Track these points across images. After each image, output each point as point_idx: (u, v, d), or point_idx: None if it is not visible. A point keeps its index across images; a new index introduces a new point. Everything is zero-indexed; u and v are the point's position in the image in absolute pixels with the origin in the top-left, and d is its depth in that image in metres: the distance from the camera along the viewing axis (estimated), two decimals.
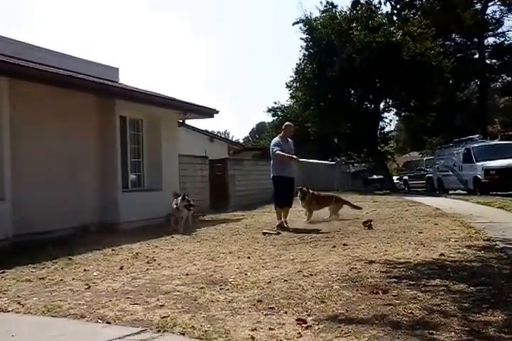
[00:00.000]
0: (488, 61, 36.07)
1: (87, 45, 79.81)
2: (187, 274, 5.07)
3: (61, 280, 5.01)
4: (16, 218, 7.64)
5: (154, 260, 6.03)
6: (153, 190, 11.20)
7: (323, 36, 24.21)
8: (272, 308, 3.72)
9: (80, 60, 11.15)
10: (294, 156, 9.34)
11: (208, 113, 13.34)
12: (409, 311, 3.52)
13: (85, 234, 8.76)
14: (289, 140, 9.64)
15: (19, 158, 8.00)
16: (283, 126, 9.86)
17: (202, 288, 4.44)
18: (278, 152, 9.22)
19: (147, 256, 6.32)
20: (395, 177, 30.98)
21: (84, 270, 5.52)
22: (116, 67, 12.44)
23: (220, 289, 4.38)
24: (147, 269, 5.46)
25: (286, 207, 9.46)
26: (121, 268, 5.57)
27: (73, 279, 5.03)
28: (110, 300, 4.10)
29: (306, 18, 25.03)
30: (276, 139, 9.64)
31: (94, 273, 5.31)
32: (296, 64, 26.41)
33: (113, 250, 6.94)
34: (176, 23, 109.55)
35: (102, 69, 11.59)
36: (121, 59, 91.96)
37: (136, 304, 3.98)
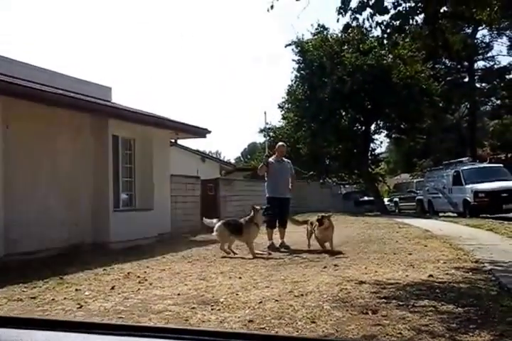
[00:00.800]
0: (477, 84, 36.70)
1: (78, 63, 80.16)
2: (178, 294, 5.06)
3: (53, 299, 4.99)
4: (7, 237, 7.61)
5: (146, 280, 6.01)
6: (145, 209, 11.19)
7: (314, 58, 24.56)
8: (263, 328, 3.73)
9: (73, 78, 11.21)
10: (259, 166, 9.54)
11: (200, 133, 13.44)
12: (398, 331, 3.54)
13: (76, 254, 8.71)
14: (285, 160, 9.64)
15: (11, 177, 8.02)
16: (276, 147, 9.90)
17: (193, 308, 4.42)
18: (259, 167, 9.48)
19: (139, 276, 6.30)
20: (385, 199, 31.10)
21: (76, 289, 5.50)
22: (108, 86, 12.55)
23: (212, 309, 4.37)
24: (139, 289, 5.45)
25: (281, 228, 9.40)
26: (112, 287, 5.55)
27: (65, 298, 5.02)
28: (102, 320, 4.08)
29: (298, 40, 25.41)
30: (269, 160, 9.65)
31: (86, 293, 5.28)
32: (288, 85, 26.77)
33: (104, 270, 6.91)
34: (169, 42, 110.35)
35: (94, 88, 11.65)
36: (112, 77, 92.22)
37: None
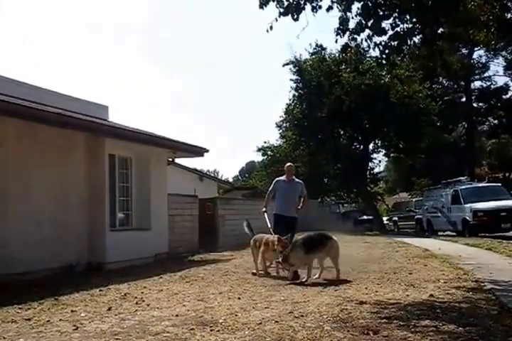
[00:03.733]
0: (475, 104, 37.02)
1: (74, 82, 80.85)
2: (177, 315, 5.02)
3: (48, 321, 4.94)
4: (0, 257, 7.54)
5: (143, 301, 5.97)
6: (142, 229, 11.11)
7: (312, 78, 24.84)
8: None
9: (70, 97, 11.23)
10: (263, 209, 9.19)
11: (198, 152, 13.42)
12: None
13: (72, 274, 8.67)
14: (296, 180, 9.49)
15: (4, 196, 7.99)
16: (284, 168, 9.74)
17: (192, 329, 4.39)
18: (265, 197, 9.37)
19: (136, 297, 6.25)
20: (384, 218, 31.13)
21: (72, 311, 5.44)
22: (105, 105, 12.54)
23: (211, 330, 4.34)
24: (136, 310, 5.39)
25: None
26: (109, 309, 5.50)
27: (60, 320, 4.96)
28: None
29: (296, 59, 25.71)
30: (278, 178, 9.58)
31: (82, 314, 5.23)
32: (286, 104, 27.02)
33: (100, 290, 6.85)
34: (163, 61, 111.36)
35: (91, 107, 11.66)
36: (107, 96, 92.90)
37: None
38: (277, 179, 9.49)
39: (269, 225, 8.84)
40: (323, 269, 7.73)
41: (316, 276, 7.52)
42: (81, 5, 78.92)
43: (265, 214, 9.13)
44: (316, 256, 7.62)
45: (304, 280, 7.32)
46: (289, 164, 9.75)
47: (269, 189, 9.39)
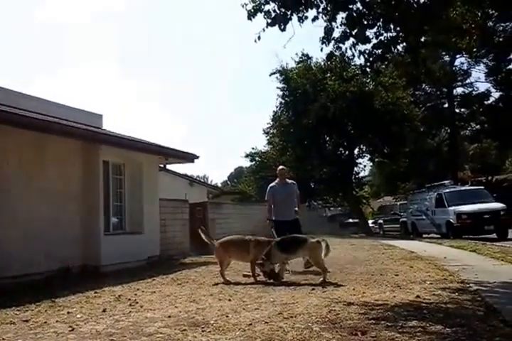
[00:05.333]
0: (457, 110, 37.46)
1: (67, 91, 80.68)
2: (169, 316, 5.09)
3: (45, 322, 5.04)
4: None
5: (136, 302, 6.05)
6: (135, 233, 11.29)
7: (298, 86, 25.19)
8: None
9: (66, 106, 11.45)
10: (268, 221, 9.18)
11: (189, 158, 13.62)
12: None
13: (67, 277, 8.77)
14: (289, 182, 9.49)
15: (1, 201, 8.13)
16: (277, 171, 9.77)
17: (184, 330, 4.45)
18: (267, 207, 9.30)
19: (129, 299, 6.33)
20: (370, 221, 31.42)
21: (68, 312, 5.53)
22: (99, 113, 12.77)
23: (202, 331, 4.38)
24: (130, 312, 5.47)
25: None
26: (104, 310, 5.59)
27: (57, 321, 5.06)
28: None
29: (283, 68, 26.07)
30: (271, 184, 9.57)
31: (78, 316, 5.32)
32: (273, 111, 27.38)
33: (95, 293, 6.95)
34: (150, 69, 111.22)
35: (86, 115, 11.90)
36: (100, 103, 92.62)
37: None
38: (271, 185, 9.50)
39: (276, 237, 8.59)
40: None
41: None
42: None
43: (272, 225, 9.06)
44: (292, 257, 7.79)
45: (275, 280, 7.45)
46: (281, 167, 9.82)
47: (267, 197, 9.37)
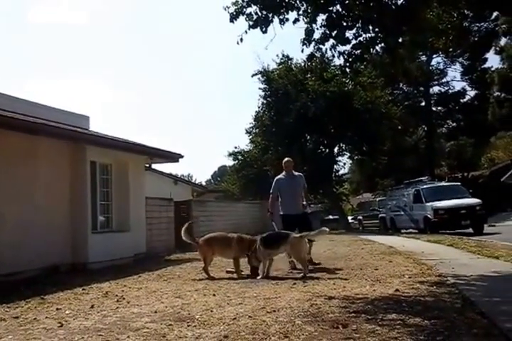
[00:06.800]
0: (434, 108, 38.17)
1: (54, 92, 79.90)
2: (155, 312, 5.15)
3: (35, 318, 5.11)
4: None
5: (123, 298, 6.11)
6: (122, 231, 11.43)
7: (280, 86, 25.48)
8: None
9: (53, 108, 11.55)
10: (269, 213, 9.05)
11: (173, 157, 13.79)
12: None
13: (56, 274, 8.86)
14: (296, 175, 9.13)
15: None
16: (282, 163, 9.26)
17: (170, 324, 4.51)
18: (270, 199, 9.13)
19: (117, 295, 6.41)
20: (349, 217, 31.80)
21: (57, 309, 5.60)
22: (86, 115, 12.89)
23: (188, 326, 4.44)
24: (117, 307, 5.54)
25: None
26: (92, 306, 5.66)
27: (46, 318, 5.13)
28: (83, 338, 4.20)
29: (264, 70, 26.33)
30: (278, 177, 9.23)
31: (67, 312, 5.38)
32: (255, 111, 27.60)
33: (83, 289, 7.05)
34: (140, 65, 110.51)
35: (73, 117, 12.02)
36: (86, 105, 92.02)
37: None
38: (277, 178, 9.18)
39: (276, 229, 8.60)
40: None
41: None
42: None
43: (272, 217, 8.98)
44: (275, 253, 7.78)
45: (258, 277, 7.51)
46: (287, 159, 9.30)
47: (272, 190, 9.06)
